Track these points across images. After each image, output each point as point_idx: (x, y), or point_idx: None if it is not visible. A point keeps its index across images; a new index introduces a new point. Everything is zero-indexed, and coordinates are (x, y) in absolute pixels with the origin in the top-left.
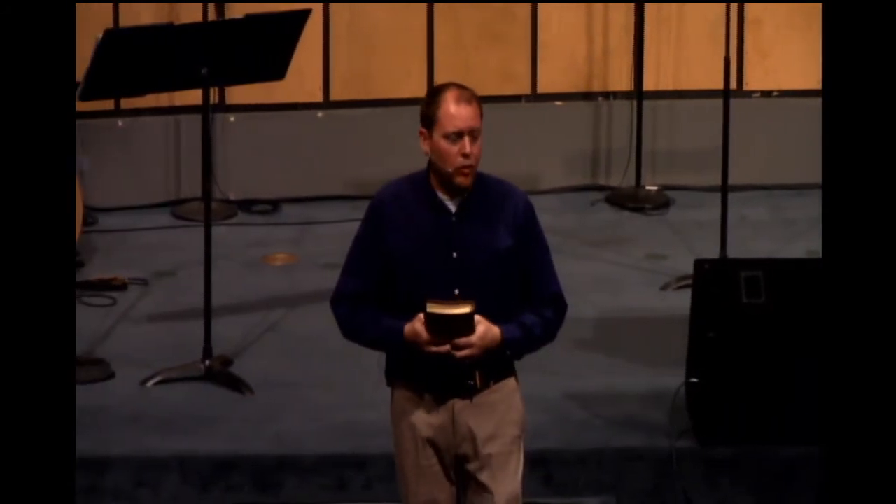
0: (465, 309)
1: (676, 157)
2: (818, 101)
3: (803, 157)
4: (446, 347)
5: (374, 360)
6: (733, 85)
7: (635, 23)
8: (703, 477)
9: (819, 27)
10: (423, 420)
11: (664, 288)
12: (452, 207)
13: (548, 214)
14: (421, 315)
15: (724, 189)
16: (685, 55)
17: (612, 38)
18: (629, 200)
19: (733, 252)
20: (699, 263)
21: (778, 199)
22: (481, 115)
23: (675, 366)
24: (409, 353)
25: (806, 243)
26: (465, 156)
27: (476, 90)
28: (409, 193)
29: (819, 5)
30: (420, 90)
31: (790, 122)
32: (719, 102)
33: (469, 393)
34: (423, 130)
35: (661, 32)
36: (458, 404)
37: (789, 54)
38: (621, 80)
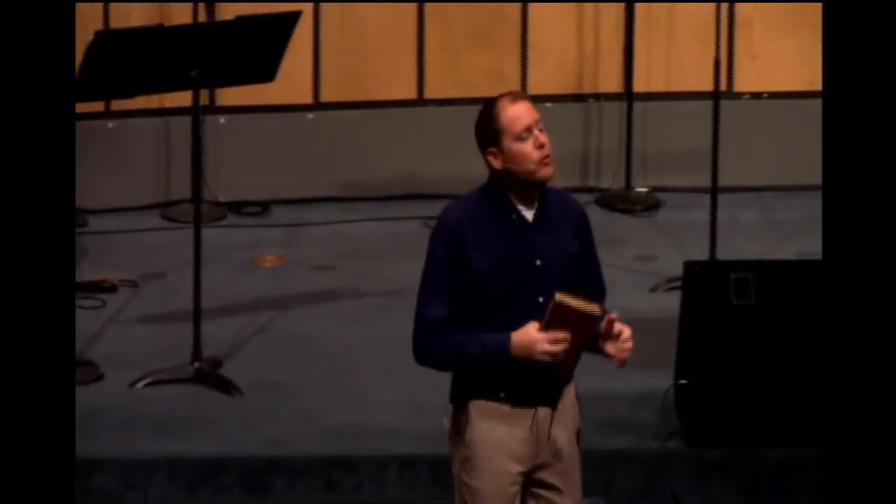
0: (595, 308)
1: (666, 159)
2: (809, 103)
3: (793, 159)
4: (561, 348)
5: (367, 361)
6: (723, 86)
7: (625, 24)
8: (692, 478)
9: (810, 28)
10: (509, 434)
11: (654, 289)
12: (529, 216)
13: None
14: (534, 322)
15: (714, 191)
16: (675, 57)
17: (602, 39)
18: (619, 202)
19: (723, 254)
20: (689, 265)
21: (768, 201)
22: None
23: (664, 367)
24: (506, 367)
25: (796, 245)
26: (542, 146)
27: (466, 91)
28: (483, 208)
29: (810, 6)
30: (410, 91)
31: (780, 124)
32: (709, 104)
33: (557, 401)
34: (492, 149)
35: (652, 34)
36: (541, 412)
37: (780, 56)
38: (611, 82)
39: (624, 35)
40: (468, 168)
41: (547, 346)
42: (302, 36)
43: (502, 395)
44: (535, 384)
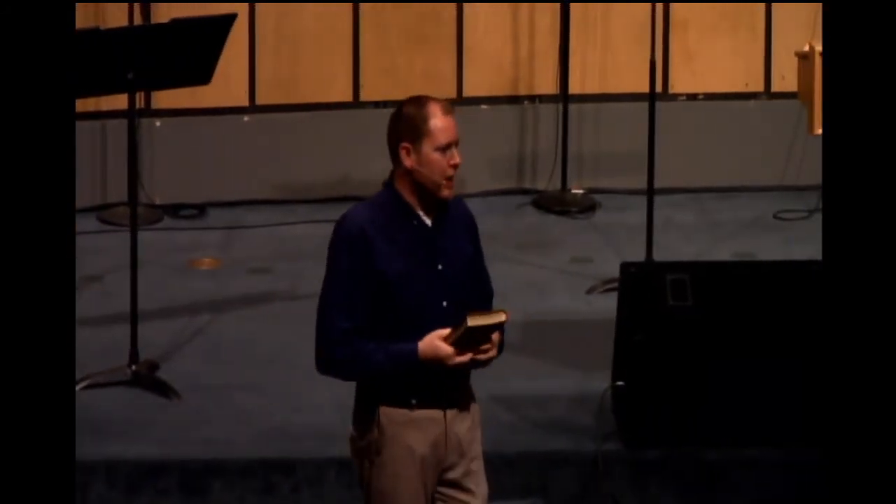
0: (502, 317)
1: (602, 161)
2: (744, 104)
3: (729, 160)
4: (469, 356)
5: (304, 364)
6: (659, 88)
7: (561, 25)
8: (629, 480)
9: (745, 29)
10: (419, 439)
11: (590, 291)
12: (428, 221)
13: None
14: (439, 332)
15: (650, 192)
16: (611, 58)
17: (537, 40)
18: (555, 204)
19: (659, 255)
20: (625, 266)
21: (704, 202)
22: None
23: (601, 369)
24: (415, 374)
25: (732, 246)
26: (455, 167)
27: (402, 93)
28: (383, 214)
29: (745, 7)
30: (346, 94)
31: (716, 125)
32: (645, 105)
33: (461, 401)
34: (406, 145)
35: (587, 35)
36: (449, 414)
37: (715, 57)
38: (547, 84)
39: (559, 36)
40: None
41: (457, 360)
42: (237, 38)
43: (413, 401)
44: (443, 387)
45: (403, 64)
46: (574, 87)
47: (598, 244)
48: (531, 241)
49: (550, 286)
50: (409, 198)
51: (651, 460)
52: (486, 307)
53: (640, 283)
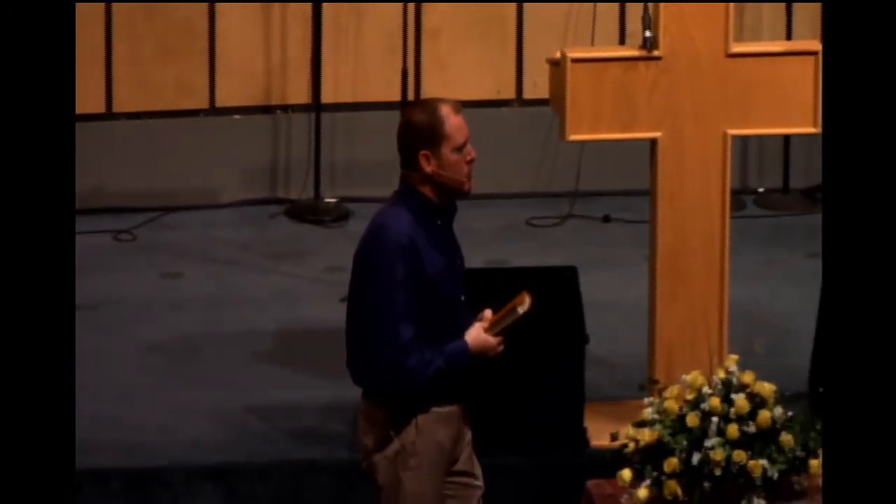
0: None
1: (355, 170)
2: (496, 111)
3: (482, 168)
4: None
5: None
6: (411, 96)
7: (312, 35)
8: None
9: (496, 37)
10: (447, 435)
11: (344, 300)
12: (445, 219)
13: (227, 228)
14: (480, 323)
15: None
16: (363, 67)
17: (289, 50)
18: (308, 213)
19: None
20: None
21: (459, 210)
22: None
23: None
24: (464, 370)
25: (486, 253)
26: (471, 162)
27: (154, 104)
28: (417, 219)
29: (496, 15)
30: (98, 106)
31: (471, 133)
32: (397, 114)
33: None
34: (426, 152)
35: (339, 44)
36: (462, 408)
37: (467, 65)
38: (300, 93)
39: (311, 46)
40: (157, 181)
41: (499, 350)
42: None
43: (454, 396)
44: (465, 379)
45: (156, 75)
46: (326, 97)
47: (352, 253)
48: (284, 251)
49: (304, 295)
50: (434, 200)
51: None
52: None
53: None
